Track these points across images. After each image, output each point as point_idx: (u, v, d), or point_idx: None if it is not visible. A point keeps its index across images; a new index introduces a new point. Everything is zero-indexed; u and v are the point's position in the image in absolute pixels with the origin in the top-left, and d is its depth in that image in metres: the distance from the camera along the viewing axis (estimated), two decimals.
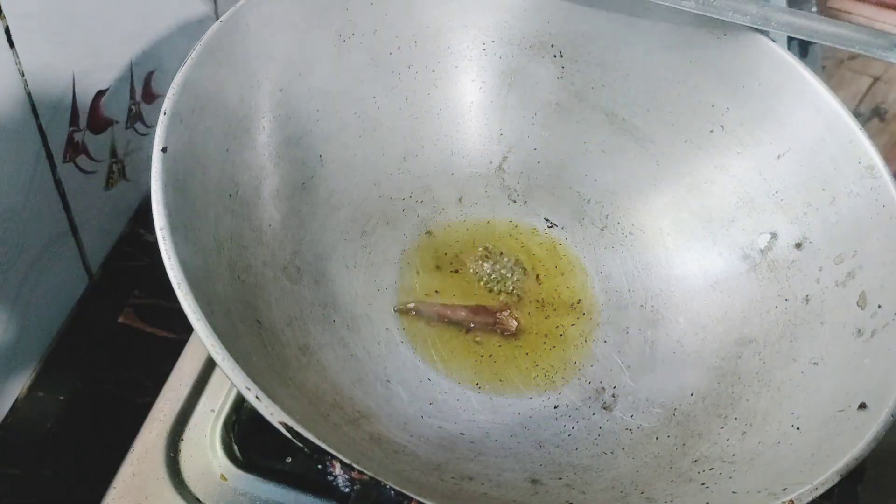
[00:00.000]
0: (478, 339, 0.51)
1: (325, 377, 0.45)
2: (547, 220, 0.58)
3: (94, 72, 0.51)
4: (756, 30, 0.52)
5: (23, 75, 0.45)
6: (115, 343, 0.56)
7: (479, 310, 0.52)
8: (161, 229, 0.37)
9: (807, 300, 0.49)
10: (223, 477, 0.47)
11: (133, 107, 0.56)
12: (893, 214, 0.47)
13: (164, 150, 0.40)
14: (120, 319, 0.58)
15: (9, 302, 0.50)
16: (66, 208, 0.53)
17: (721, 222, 0.54)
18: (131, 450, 0.48)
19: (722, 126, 0.55)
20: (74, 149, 0.51)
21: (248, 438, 0.48)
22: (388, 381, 0.48)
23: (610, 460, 0.46)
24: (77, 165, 0.52)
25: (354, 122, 0.55)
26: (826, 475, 0.37)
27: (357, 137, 0.55)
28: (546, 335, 0.53)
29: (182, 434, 0.48)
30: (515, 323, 0.52)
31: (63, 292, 0.56)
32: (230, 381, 0.35)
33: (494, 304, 0.53)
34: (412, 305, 0.52)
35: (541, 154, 0.59)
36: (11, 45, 0.43)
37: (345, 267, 0.52)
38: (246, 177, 0.47)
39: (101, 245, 0.59)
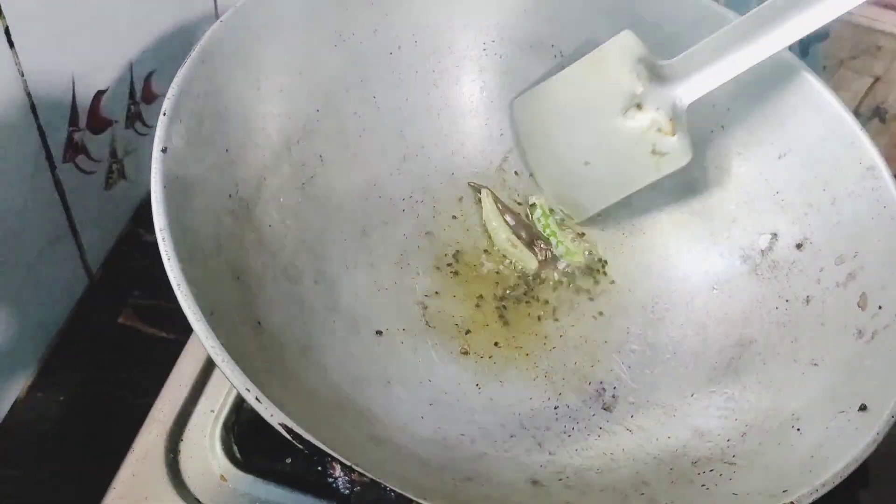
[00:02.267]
0: (479, 339, 0.51)
1: (326, 378, 0.45)
2: None
3: (94, 72, 0.51)
4: None
5: (22, 75, 0.45)
6: (115, 343, 0.56)
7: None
8: (161, 230, 0.37)
9: (807, 301, 0.49)
10: (223, 478, 0.47)
11: (133, 107, 0.56)
12: (894, 215, 0.47)
13: (163, 150, 0.40)
14: (120, 320, 0.57)
15: (8, 302, 0.49)
16: (66, 208, 0.53)
17: (722, 223, 0.54)
18: (131, 450, 0.48)
19: (722, 126, 0.55)
20: (74, 149, 0.51)
21: (248, 439, 0.48)
22: (389, 381, 0.48)
23: (610, 461, 0.46)
24: (77, 165, 0.52)
25: (354, 122, 0.55)
26: (827, 476, 0.37)
27: (357, 137, 0.55)
28: (546, 335, 0.53)
29: (182, 435, 0.48)
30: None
31: (63, 292, 0.56)
32: (230, 383, 0.35)
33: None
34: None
35: None
36: (11, 45, 0.43)
37: (345, 267, 0.52)
38: (246, 177, 0.47)
39: (101, 245, 0.59)
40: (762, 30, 0.48)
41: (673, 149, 0.52)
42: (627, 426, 0.48)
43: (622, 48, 0.52)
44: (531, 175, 0.59)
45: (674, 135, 0.51)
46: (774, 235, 0.52)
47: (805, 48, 0.62)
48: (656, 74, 0.52)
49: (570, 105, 0.55)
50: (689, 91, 0.51)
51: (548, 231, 0.57)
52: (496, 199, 0.58)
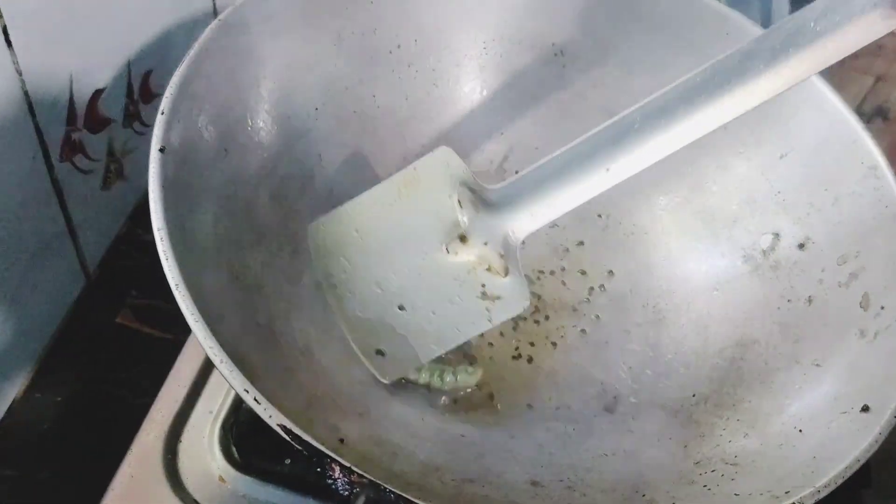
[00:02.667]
0: (479, 340, 0.51)
1: (325, 379, 0.45)
2: None
3: (92, 71, 0.50)
4: (759, 28, 0.52)
5: (20, 74, 0.45)
6: (113, 344, 0.56)
7: None
8: (159, 230, 0.37)
9: (809, 301, 0.49)
10: (221, 479, 0.47)
11: (130, 106, 0.56)
12: None
13: (161, 150, 0.40)
14: (117, 320, 0.57)
15: (6, 302, 0.49)
16: (64, 208, 0.52)
17: (723, 223, 0.54)
18: (129, 452, 0.47)
19: (724, 126, 0.54)
20: (72, 148, 0.51)
21: (247, 440, 0.48)
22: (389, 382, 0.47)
23: (611, 462, 0.46)
24: (74, 165, 0.52)
25: (354, 122, 0.55)
26: (829, 477, 0.37)
27: (357, 137, 0.55)
28: (547, 336, 0.52)
29: (180, 436, 0.48)
30: None
31: (60, 292, 0.56)
32: (228, 384, 0.35)
33: None
34: None
35: (542, 153, 0.58)
36: (9, 44, 0.43)
37: None
38: (244, 177, 0.47)
39: (99, 245, 0.58)
40: (612, 151, 0.41)
41: (506, 292, 0.44)
42: (629, 427, 0.48)
43: (440, 167, 0.44)
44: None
45: (505, 275, 0.43)
46: (776, 235, 0.52)
47: None
48: (482, 201, 0.44)
49: (380, 234, 0.45)
50: (523, 223, 0.43)
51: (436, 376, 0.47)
52: None
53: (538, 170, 0.43)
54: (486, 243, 0.43)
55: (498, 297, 0.44)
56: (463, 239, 0.43)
